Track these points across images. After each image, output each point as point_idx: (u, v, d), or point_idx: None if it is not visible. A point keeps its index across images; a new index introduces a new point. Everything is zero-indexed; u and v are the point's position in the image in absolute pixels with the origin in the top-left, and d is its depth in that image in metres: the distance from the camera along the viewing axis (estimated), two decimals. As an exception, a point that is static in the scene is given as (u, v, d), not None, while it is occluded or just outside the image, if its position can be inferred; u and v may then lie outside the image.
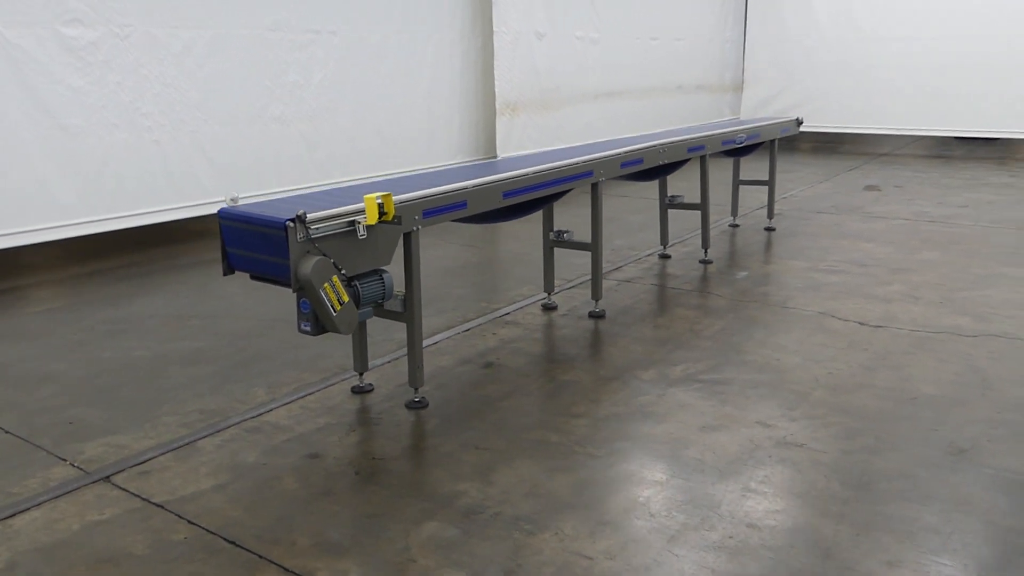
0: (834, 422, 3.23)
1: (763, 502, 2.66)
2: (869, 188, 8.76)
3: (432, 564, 2.36)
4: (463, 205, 3.50)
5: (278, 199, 3.22)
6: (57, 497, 2.75)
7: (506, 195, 3.74)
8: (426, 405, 3.44)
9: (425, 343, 4.12)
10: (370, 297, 3.11)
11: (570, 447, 3.06)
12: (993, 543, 2.41)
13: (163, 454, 3.05)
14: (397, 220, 3.03)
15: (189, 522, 2.60)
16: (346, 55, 7.16)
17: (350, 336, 4.07)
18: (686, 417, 3.30)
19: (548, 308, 4.76)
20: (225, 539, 2.50)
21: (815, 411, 3.33)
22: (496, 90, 8.53)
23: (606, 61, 10.20)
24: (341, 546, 2.46)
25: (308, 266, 2.79)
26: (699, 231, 5.74)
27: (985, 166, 10.43)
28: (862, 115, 12.05)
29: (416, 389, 3.45)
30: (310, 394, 3.58)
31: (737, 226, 6.93)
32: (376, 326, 4.42)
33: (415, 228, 3.26)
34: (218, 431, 3.23)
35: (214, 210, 6.29)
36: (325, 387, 3.66)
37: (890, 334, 4.20)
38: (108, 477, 2.88)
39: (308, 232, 2.80)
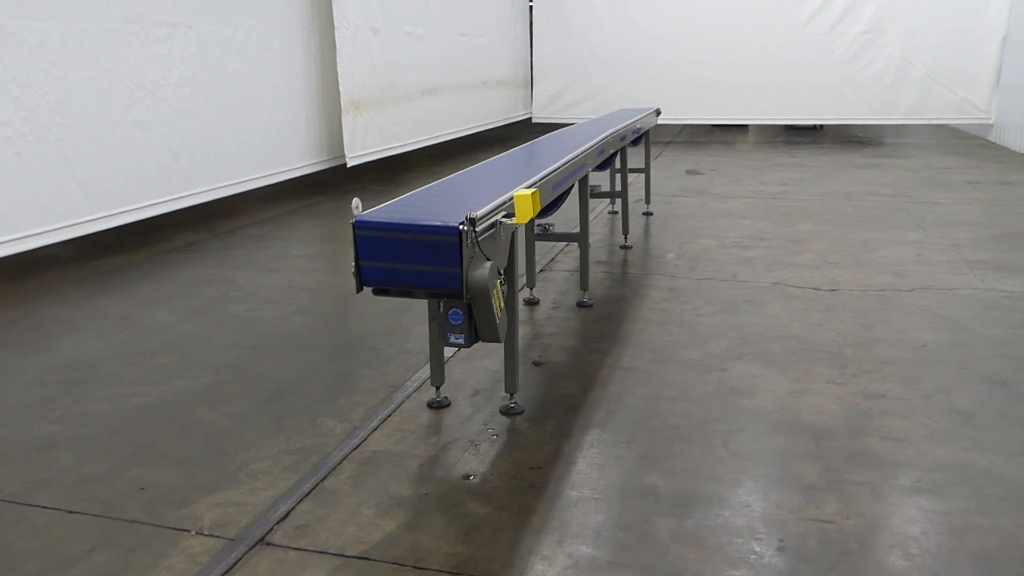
0: (888, 373, 3.63)
1: (909, 448, 2.95)
2: (691, 172, 9.62)
3: (708, 555, 2.34)
4: (535, 201, 3.41)
5: (386, 206, 2.91)
6: (225, 573, 2.31)
7: (554, 188, 3.70)
8: (522, 411, 3.32)
9: (448, 351, 3.95)
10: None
11: (701, 428, 3.14)
12: (1103, 450, 2.91)
13: (298, 504, 2.67)
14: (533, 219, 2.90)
15: (416, 567, 2.33)
16: (200, 51, 6.48)
17: (349, 353, 3.83)
18: (769, 386, 3.51)
19: (531, 303, 4.74)
20: (478, 576, 2.28)
21: (863, 366, 3.71)
22: (340, 87, 8.16)
23: (429, 57, 10.16)
24: (600, 559, 2.35)
25: (484, 272, 2.59)
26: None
27: (762, 149, 11.87)
28: (641, 107, 13.11)
29: (511, 395, 3.32)
30: (388, 416, 3.30)
31: (616, 212, 7.31)
32: (381, 339, 4.15)
33: (516, 227, 3.13)
34: (332, 469, 2.88)
35: (86, 231, 5.50)
36: (397, 406, 3.38)
37: (848, 296, 4.74)
38: (263, 539, 2.47)
39: (476, 236, 2.60)
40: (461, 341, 2.74)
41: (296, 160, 7.94)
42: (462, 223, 2.55)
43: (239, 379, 3.70)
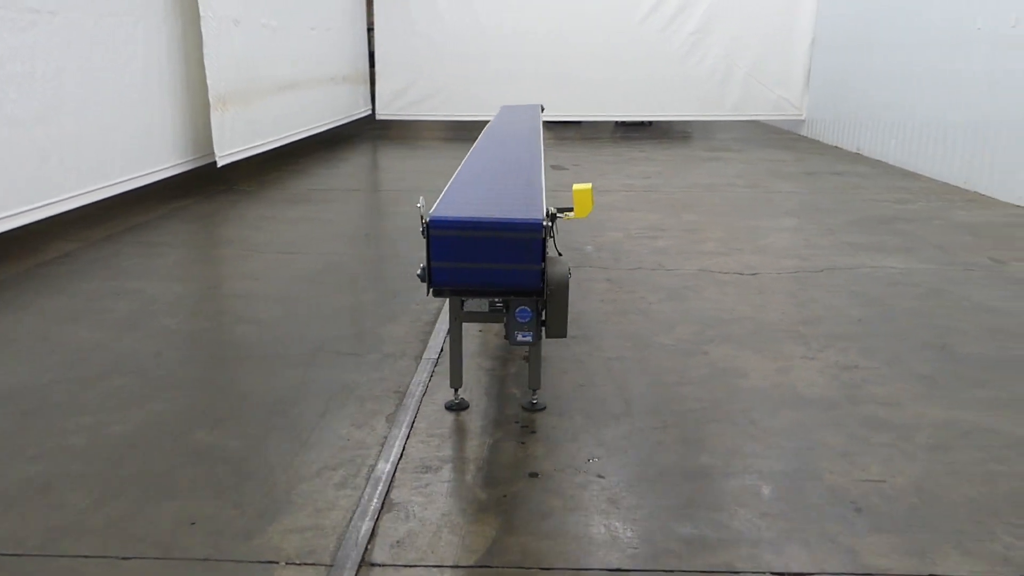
0: (845, 347, 3.99)
1: (904, 411, 3.28)
2: (556, 167, 9.89)
3: (795, 525, 2.50)
4: (541, 197, 3.43)
5: (443, 202, 2.80)
6: (347, 599, 2.17)
7: (544, 185, 3.72)
8: (545, 407, 3.33)
9: (430, 351, 3.88)
10: (543, 298, 2.94)
11: (717, 409, 3.31)
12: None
13: (377, 520, 2.53)
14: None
15: (542, 568, 2.30)
16: (66, 41, 5.82)
17: (325, 360, 3.69)
18: (754, 366, 3.76)
19: (482, 300, 4.72)
20: (607, 570, 2.29)
21: (822, 342, 4.05)
22: (208, 81, 7.62)
23: (284, 51, 9.70)
24: (709, 537, 2.44)
25: (564, 268, 2.58)
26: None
27: (607, 145, 12.41)
28: (483, 104, 13.25)
29: (534, 391, 3.31)
30: (414, 423, 3.18)
31: (509, 208, 7.39)
32: (353, 344, 3.99)
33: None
34: (390, 482, 2.75)
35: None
36: (416, 412, 3.27)
37: (769, 279, 5.13)
38: (364, 560, 2.33)
39: (552, 231, 2.58)
40: (529, 339, 2.72)
41: (166, 159, 7.33)
42: (544, 219, 2.53)
43: (221, 396, 3.41)
